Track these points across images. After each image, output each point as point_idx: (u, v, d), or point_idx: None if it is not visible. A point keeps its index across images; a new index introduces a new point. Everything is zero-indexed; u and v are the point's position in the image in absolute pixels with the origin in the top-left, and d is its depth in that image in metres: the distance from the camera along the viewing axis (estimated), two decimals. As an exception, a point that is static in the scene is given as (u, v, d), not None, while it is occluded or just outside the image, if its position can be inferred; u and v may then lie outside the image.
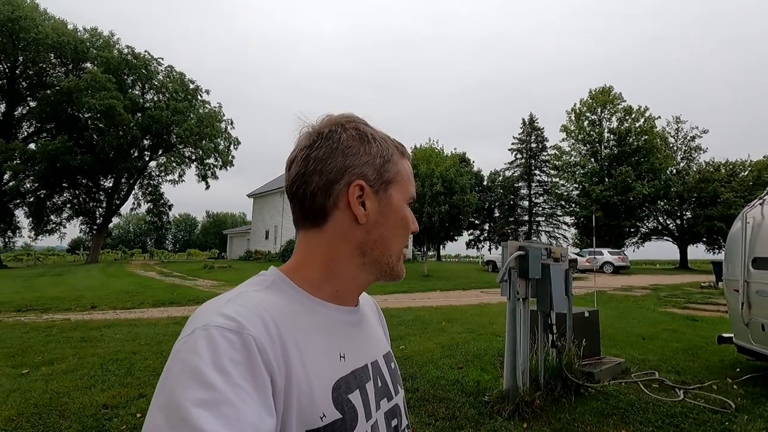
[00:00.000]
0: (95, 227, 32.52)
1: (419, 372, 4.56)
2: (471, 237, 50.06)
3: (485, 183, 47.07)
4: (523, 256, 3.63)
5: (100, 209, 32.89)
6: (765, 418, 3.45)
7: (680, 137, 35.94)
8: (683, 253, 34.13)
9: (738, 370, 4.80)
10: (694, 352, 5.66)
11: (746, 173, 31.24)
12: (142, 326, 7.13)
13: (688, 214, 33.06)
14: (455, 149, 27.73)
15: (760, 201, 4.61)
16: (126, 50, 29.79)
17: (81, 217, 32.92)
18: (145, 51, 30.35)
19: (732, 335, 4.83)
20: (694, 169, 34.12)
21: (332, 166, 0.60)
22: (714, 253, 32.64)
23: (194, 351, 0.45)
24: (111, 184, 32.14)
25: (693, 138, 35.48)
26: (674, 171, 34.13)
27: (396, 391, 0.69)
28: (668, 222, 35.14)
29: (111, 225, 38.78)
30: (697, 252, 35.69)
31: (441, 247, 43.93)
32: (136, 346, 5.68)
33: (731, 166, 32.26)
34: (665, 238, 35.80)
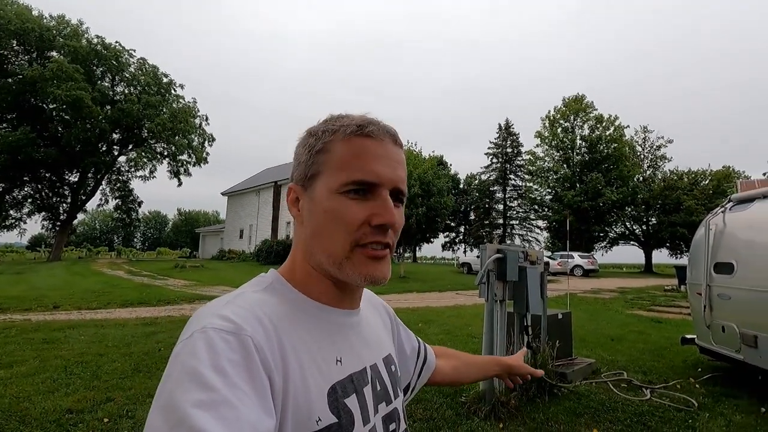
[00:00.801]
0: (58, 223, 31.06)
1: (397, 373, 4.56)
2: (447, 239, 50.55)
3: (462, 186, 47.66)
4: (501, 259, 3.70)
5: (64, 204, 31.43)
6: (725, 416, 3.62)
7: (647, 146, 37.48)
8: (648, 257, 35.56)
9: (700, 369, 5.03)
10: (660, 352, 5.90)
11: (707, 182, 32.85)
12: (109, 327, 6.86)
13: (653, 220, 34.48)
14: (433, 152, 28.03)
15: (722, 209, 4.84)
16: (95, 40, 28.61)
17: (43, 213, 31.39)
18: (116, 42, 29.28)
19: (695, 336, 5.05)
20: (660, 177, 35.64)
21: (291, 174, 0.65)
22: (677, 257, 34.17)
23: (193, 353, 0.45)
24: (77, 179, 30.77)
25: (659, 147, 37.07)
26: (641, 178, 35.54)
27: (395, 394, 0.68)
28: (635, 227, 36.53)
29: (75, 221, 37.17)
30: (661, 256, 37.26)
31: (417, 248, 44.25)
32: (102, 347, 5.46)
33: (693, 175, 33.86)
34: (632, 242, 37.20)
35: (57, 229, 31.29)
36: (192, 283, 15.45)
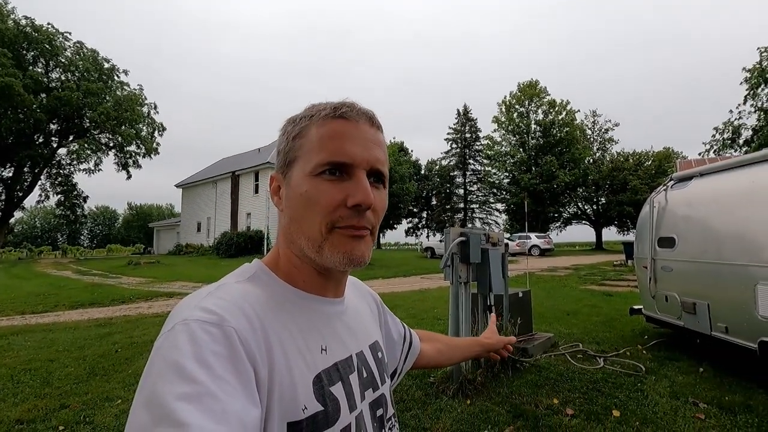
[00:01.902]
0: (-7, 223, 28.61)
1: (366, 359, 4.60)
2: (410, 225, 51.18)
3: (423, 172, 48.20)
4: (465, 242, 3.79)
5: (-2, 202, 28.95)
6: (669, 378, 3.94)
7: (596, 129, 39.43)
8: (599, 235, 37.72)
9: (646, 337, 5.43)
10: (611, 323, 6.30)
11: (650, 163, 35.09)
12: (58, 331, 6.45)
13: (603, 200, 36.54)
14: (394, 138, 28.05)
15: (665, 187, 5.19)
16: (24, 21, 26.14)
17: (-26, 212, 28.77)
18: (48, 24, 26.89)
19: (641, 307, 5.44)
20: (608, 159, 37.68)
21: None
22: (624, 234, 36.48)
23: (174, 346, 0.45)
24: (11, 174, 28.33)
25: (607, 130, 39.10)
26: (591, 160, 37.42)
27: (383, 380, 0.69)
28: (586, 207, 38.55)
29: (12, 220, 34.33)
30: (610, 234, 39.77)
31: (381, 235, 44.50)
32: (52, 353, 5.13)
33: (638, 157, 36.05)
34: (583, 222, 39.29)
35: (-9, 229, 28.81)
36: (148, 280, 14.78)
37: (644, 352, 4.79)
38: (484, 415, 3.16)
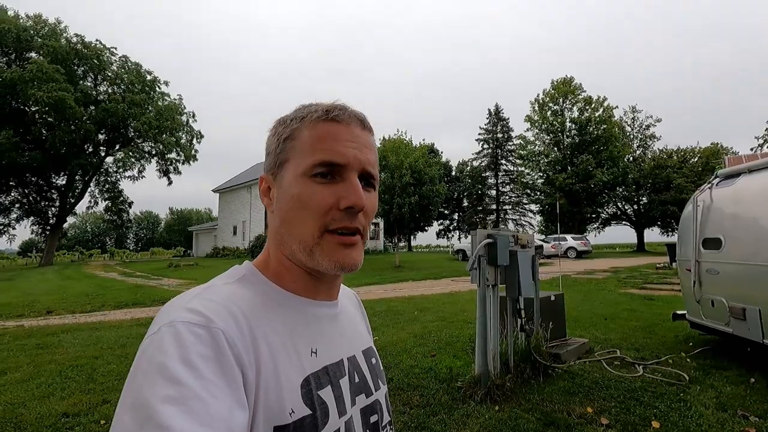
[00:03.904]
0: (48, 228, 30.68)
1: (393, 362, 4.59)
2: (441, 227, 50.76)
3: (454, 173, 47.71)
4: (492, 244, 3.71)
5: (52, 208, 31.01)
6: (715, 388, 3.69)
7: (636, 126, 37.68)
8: (640, 236, 35.96)
9: (691, 344, 5.11)
10: (652, 329, 5.98)
11: (696, 159, 33.17)
12: (103, 329, 6.82)
13: (644, 200, 34.80)
14: (423, 140, 27.95)
15: (709, 185, 4.89)
16: (75, 39, 27.99)
17: (32, 218, 30.97)
18: (97, 40, 28.68)
19: (685, 312, 5.13)
20: (649, 157, 35.91)
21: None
22: (668, 235, 34.58)
23: (160, 348, 0.44)
24: (64, 182, 30.35)
25: (648, 126, 37.28)
26: (631, 158, 35.78)
27: (376, 386, 0.67)
28: (626, 207, 36.86)
29: (66, 225, 36.70)
30: (653, 235, 37.75)
31: (412, 237, 44.35)
32: (97, 350, 5.43)
33: (682, 153, 34.14)
34: (624, 222, 37.57)
35: (47, 233, 30.92)
36: (187, 281, 15.39)
37: (688, 360, 4.51)
38: (513, 423, 3.07)
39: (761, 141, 29.47)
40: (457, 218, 50.01)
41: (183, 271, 19.57)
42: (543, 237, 26.49)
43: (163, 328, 0.46)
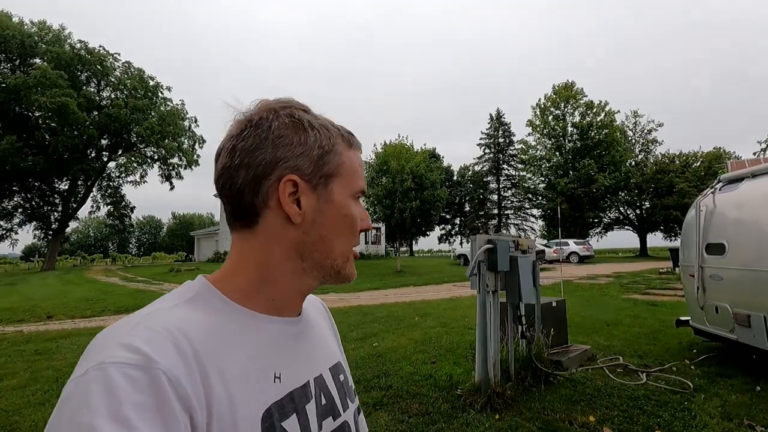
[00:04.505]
0: (50, 232, 30.73)
1: (392, 369, 4.54)
2: (443, 231, 50.68)
3: (455, 178, 47.70)
4: (492, 249, 3.66)
5: (55, 213, 31.08)
6: (720, 397, 3.63)
7: (638, 130, 37.61)
8: (643, 241, 35.79)
9: (695, 351, 5.04)
10: (655, 336, 5.91)
11: (698, 164, 33.03)
12: (102, 335, 6.78)
13: (647, 204, 34.66)
14: (425, 145, 27.95)
15: (712, 190, 4.84)
16: (78, 45, 28.16)
17: (34, 222, 31.04)
18: (100, 46, 28.85)
19: (689, 318, 5.07)
20: (651, 161, 35.80)
21: (261, 159, 0.53)
22: (671, 240, 34.42)
23: (86, 402, 0.37)
24: (66, 187, 30.42)
25: (650, 131, 37.22)
26: (633, 163, 35.67)
27: (345, 406, 0.63)
28: (628, 212, 36.72)
29: (68, 230, 36.80)
30: (656, 240, 37.62)
31: (413, 242, 44.30)
32: (95, 356, 5.38)
33: (684, 158, 34.02)
34: (626, 227, 37.42)
35: (49, 238, 30.98)
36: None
37: (692, 367, 4.44)
38: (514, 432, 3.01)
39: (764, 145, 29.35)
40: (458, 223, 49.93)
41: (184, 276, 19.53)
42: (545, 242, 26.39)
43: (92, 371, 0.39)
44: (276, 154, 0.53)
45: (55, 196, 30.97)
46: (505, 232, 42.69)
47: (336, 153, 0.57)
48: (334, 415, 0.60)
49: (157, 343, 0.43)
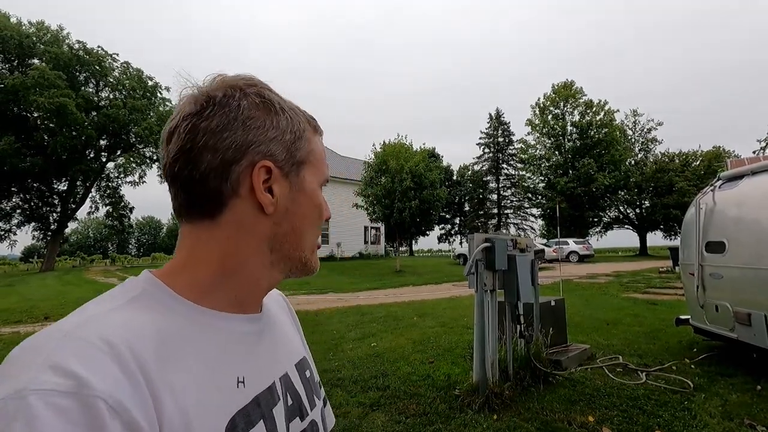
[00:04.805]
0: (49, 233, 30.67)
1: (390, 369, 4.50)
2: (442, 231, 50.60)
3: (455, 177, 47.64)
4: (490, 248, 3.63)
5: (54, 214, 30.99)
6: (720, 396, 3.59)
7: (638, 129, 37.57)
8: (643, 240, 35.75)
9: (695, 350, 5.01)
10: (655, 335, 5.88)
11: (698, 163, 33.01)
12: (99, 336, 6.74)
13: (647, 203, 34.63)
14: (424, 144, 27.88)
15: (712, 188, 4.80)
16: (77, 45, 28.13)
17: (33, 223, 30.97)
18: (99, 46, 28.81)
19: (689, 317, 5.03)
20: (651, 160, 35.77)
21: (230, 142, 0.47)
22: (671, 239, 34.39)
23: None
24: (65, 187, 30.36)
25: (649, 130, 37.18)
26: (633, 162, 35.64)
27: (312, 404, 0.58)
28: (628, 211, 36.69)
29: (67, 230, 36.74)
30: (656, 239, 37.61)
31: (413, 242, 44.22)
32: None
33: (684, 157, 34.00)
34: (626, 226, 37.37)
35: (48, 239, 30.93)
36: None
37: (692, 366, 4.41)
38: (512, 432, 2.98)
39: (764, 144, 29.30)
40: (458, 222, 49.88)
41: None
42: (545, 241, 26.35)
43: (9, 402, 0.31)
44: (247, 137, 0.48)
45: (54, 196, 30.89)
46: (504, 231, 42.64)
47: (305, 139, 0.54)
48: (302, 416, 0.55)
49: (94, 360, 0.35)
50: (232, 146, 0.47)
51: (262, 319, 0.56)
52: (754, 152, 30.21)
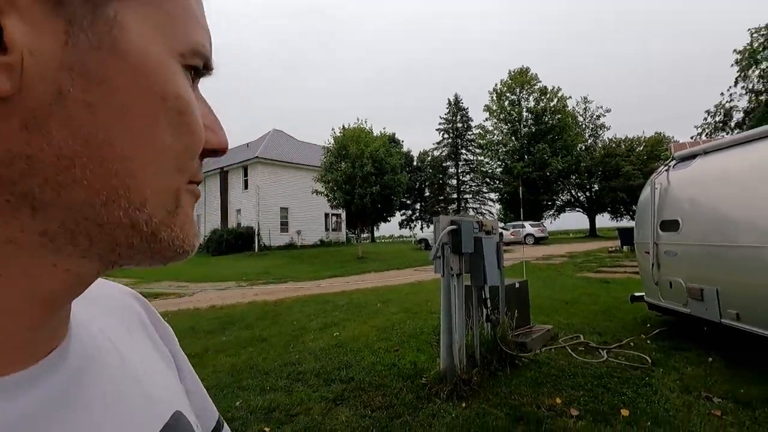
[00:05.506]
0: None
1: (354, 359, 4.31)
2: (404, 217, 50.90)
3: (415, 163, 47.82)
4: (456, 231, 3.48)
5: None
6: (677, 370, 3.69)
7: (588, 116, 39.22)
8: (592, 221, 37.66)
9: (649, 326, 5.18)
10: (611, 312, 6.05)
11: (641, 148, 35.01)
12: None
13: (596, 187, 36.41)
14: (384, 128, 27.60)
15: (666, 168, 4.91)
16: None
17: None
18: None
19: (643, 294, 5.19)
20: (600, 146, 37.55)
21: None
22: (618, 220, 36.47)
23: None
24: None
25: (598, 117, 38.91)
26: (583, 147, 37.22)
27: None
28: (579, 194, 38.43)
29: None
30: (603, 220, 39.60)
31: (374, 228, 44.15)
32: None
33: (630, 142, 35.95)
34: (577, 209, 39.20)
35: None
36: (134, 280, 14.36)
37: (648, 342, 4.53)
38: (481, 420, 2.87)
39: (700, 130, 31.40)
40: (419, 208, 50.32)
41: (131, 269, 18.28)
42: (503, 224, 27.08)
43: None
44: None
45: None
46: (464, 215, 43.46)
47: None
48: None
49: None
50: None
51: (67, 365, 0.26)
52: (691, 137, 32.35)
